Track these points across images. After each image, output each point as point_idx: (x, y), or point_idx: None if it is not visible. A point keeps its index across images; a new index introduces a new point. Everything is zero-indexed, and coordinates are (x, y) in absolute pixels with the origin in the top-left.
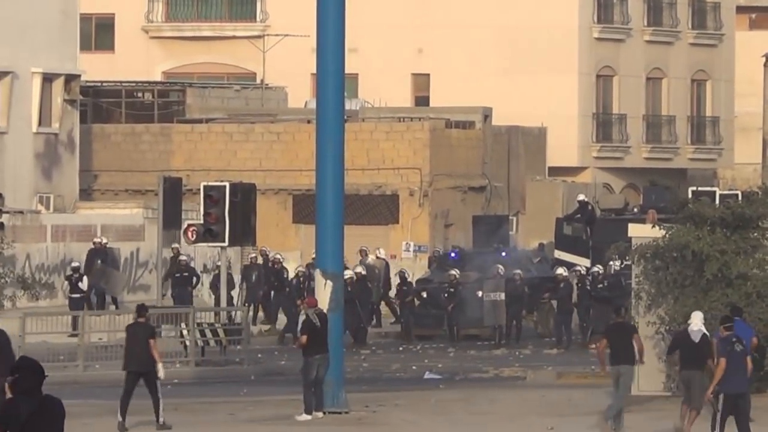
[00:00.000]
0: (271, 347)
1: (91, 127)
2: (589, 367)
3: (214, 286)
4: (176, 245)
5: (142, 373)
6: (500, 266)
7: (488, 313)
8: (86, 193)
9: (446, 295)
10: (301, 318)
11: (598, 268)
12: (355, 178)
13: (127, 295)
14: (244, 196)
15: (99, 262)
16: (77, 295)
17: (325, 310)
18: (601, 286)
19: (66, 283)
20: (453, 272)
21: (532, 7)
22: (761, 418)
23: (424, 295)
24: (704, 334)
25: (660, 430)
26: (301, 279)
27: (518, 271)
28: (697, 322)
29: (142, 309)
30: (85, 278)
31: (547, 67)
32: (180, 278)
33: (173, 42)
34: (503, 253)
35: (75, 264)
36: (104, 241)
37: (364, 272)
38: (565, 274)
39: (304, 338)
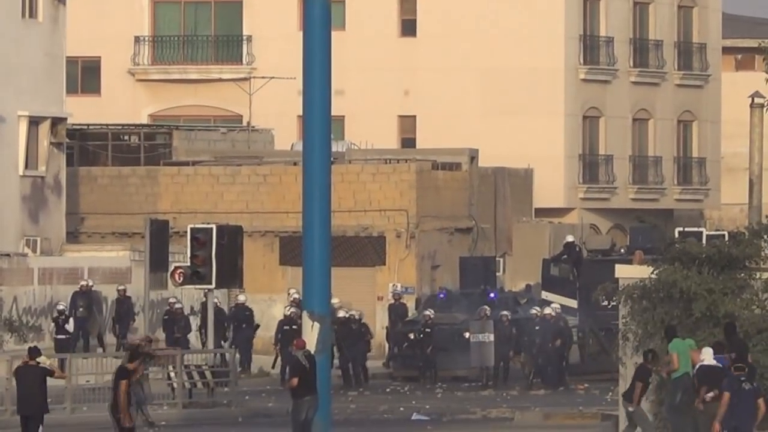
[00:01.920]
0: (258, 389)
1: (78, 169)
2: (576, 408)
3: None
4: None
5: (33, 416)
6: (487, 307)
7: (475, 354)
8: (73, 236)
9: (421, 335)
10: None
11: (536, 311)
12: (342, 219)
13: (113, 338)
14: (231, 238)
15: (81, 308)
16: (63, 336)
17: (312, 352)
18: (538, 328)
19: (53, 324)
20: (427, 313)
21: (518, 48)
22: None
23: (411, 336)
24: (720, 365)
25: None
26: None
27: (506, 312)
28: (709, 357)
29: (34, 351)
30: (71, 320)
31: (534, 109)
32: (169, 321)
33: (159, 85)
34: (491, 295)
35: (61, 306)
36: (90, 283)
37: (347, 315)
38: (554, 314)
39: (294, 380)
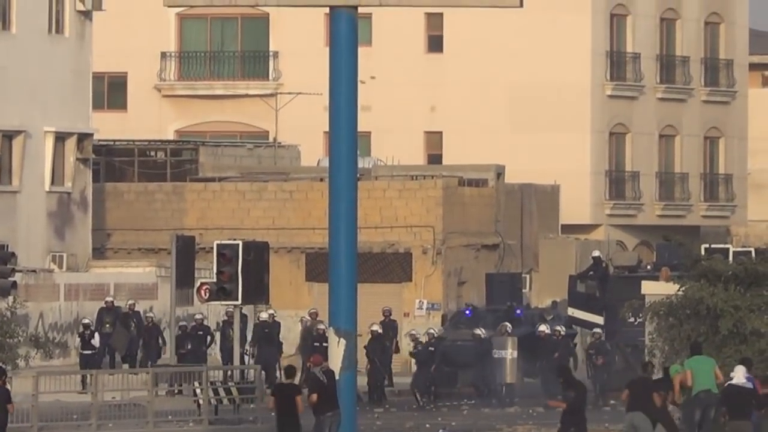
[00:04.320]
0: None
1: (104, 185)
2: (603, 425)
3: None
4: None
5: None
6: (508, 324)
7: (496, 370)
8: (99, 252)
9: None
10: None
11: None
12: (368, 236)
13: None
14: (257, 254)
15: (107, 324)
16: (89, 352)
17: (338, 369)
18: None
19: (78, 339)
20: (432, 330)
21: (544, 64)
22: None
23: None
24: (751, 386)
25: None
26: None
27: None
28: (740, 376)
29: (0, 372)
30: (96, 335)
31: (560, 125)
32: (195, 336)
33: (186, 100)
34: (517, 311)
35: (86, 321)
36: (111, 299)
37: (380, 330)
38: (547, 331)
39: (314, 397)
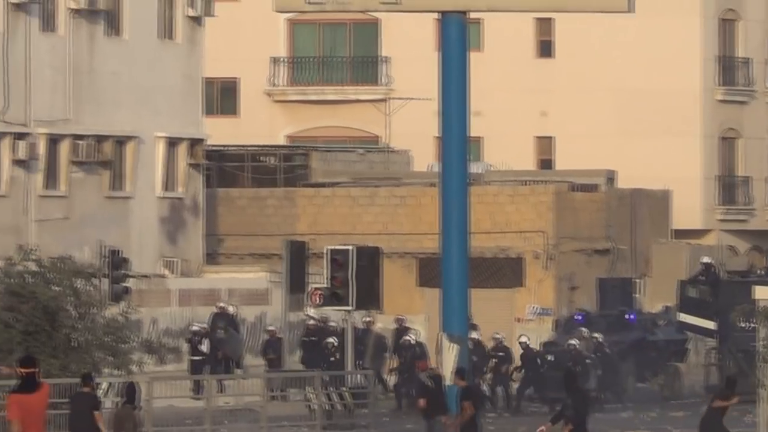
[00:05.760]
0: (397, 410)
1: (216, 191)
2: None
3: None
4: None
5: None
6: (584, 329)
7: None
8: (211, 257)
9: (495, 359)
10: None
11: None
12: (480, 241)
13: (253, 359)
14: (369, 259)
15: (220, 330)
16: (198, 358)
17: (450, 374)
18: (550, 358)
19: (187, 345)
20: (498, 336)
21: (655, 70)
22: None
23: (550, 358)
24: None
25: None
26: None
27: (573, 342)
28: None
29: (87, 378)
30: (205, 341)
31: (671, 130)
32: (309, 342)
33: (297, 106)
34: (629, 316)
35: (195, 327)
36: (223, 304)
37: (479, 338)
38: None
39: (421, 402)
